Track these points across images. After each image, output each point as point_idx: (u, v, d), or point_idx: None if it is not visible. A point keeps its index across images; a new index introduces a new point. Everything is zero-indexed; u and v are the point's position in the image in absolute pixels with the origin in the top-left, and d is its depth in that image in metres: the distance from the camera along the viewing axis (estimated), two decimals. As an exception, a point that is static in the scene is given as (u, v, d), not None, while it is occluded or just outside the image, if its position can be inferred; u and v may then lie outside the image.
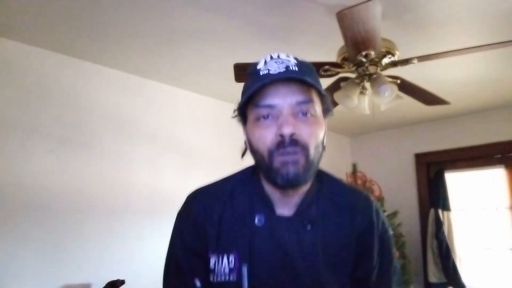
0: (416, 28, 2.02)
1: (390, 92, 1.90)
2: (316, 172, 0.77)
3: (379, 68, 1.93)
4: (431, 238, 3.45)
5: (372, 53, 1.77)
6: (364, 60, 1.84)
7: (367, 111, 2.18)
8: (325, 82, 2.13)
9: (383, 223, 0.84)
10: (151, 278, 2.40)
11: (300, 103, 0.72)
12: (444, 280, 3.35)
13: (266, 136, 0.72)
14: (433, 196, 3.57)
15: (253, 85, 0.72)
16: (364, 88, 2.03)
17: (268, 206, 0.78)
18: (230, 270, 0.74)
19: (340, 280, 0.77)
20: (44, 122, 2.22)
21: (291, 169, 0.70)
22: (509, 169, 3.34)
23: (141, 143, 2.61)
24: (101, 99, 2.48)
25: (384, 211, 3.13)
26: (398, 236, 3.27)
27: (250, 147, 0.77)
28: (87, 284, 2.21)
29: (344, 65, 1.97)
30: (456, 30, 2.03)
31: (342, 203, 0.81)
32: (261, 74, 0.72)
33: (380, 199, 3.33)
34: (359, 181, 3.82)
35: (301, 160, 0.71)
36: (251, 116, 0.76)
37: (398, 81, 2.02)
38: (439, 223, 3.41)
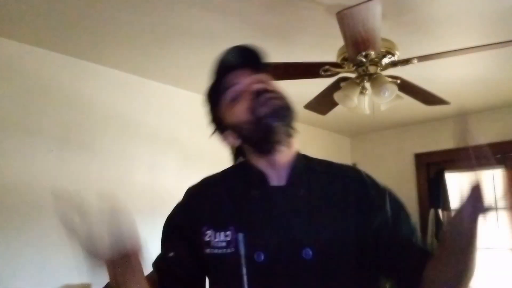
0: (416, 28, 2.02)
1: (390, 92, 1.90)
2: (294, 125, 0.83)
3: (379, 68, 1.93)
4: (431, 238, 3.45)
5: (372, 53, 1.77)
6: (364, 60, 1.84)
7: (367, 111, 2.18)
8: (325, 82, 2.14)
9: (377, 182, 0.87)
10: (151, 278, 2.40)
11: (258, 78, 0.82)
12: (444, 280, 3.35)
13: (242, 107, 0.80)
14: (433, 196, 3.57)
15: (214, 78, 0.84)
16: (364, 88, 2.03)
17: (262, 180, 0.82)
18: (228, 242, 0.76)
19: (343, 245, 0.77)
20: (44, 122, 2.22)
21: (275, 103, 0.78)
22: (509, 169, 3.33)
23: (141, 143, 2.61)
24: (101, 99, 2.48)
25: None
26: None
27: (233, 131, 0.84)
28: (87, 284, 2.21)
29: (344, 65, 1.97)
30: (456, 30, 2.04)
31: (331, 172, 0.86)
32: (218, 66, 0.84)
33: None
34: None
35: (280, 101, 0.79)
36: (223, 106, 0.84)
37: (398, 81, 2.02)
38: (439, 223, 3.41)
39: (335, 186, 0.83)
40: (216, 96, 0.85)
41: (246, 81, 0.81)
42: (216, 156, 3.00)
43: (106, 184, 2.38)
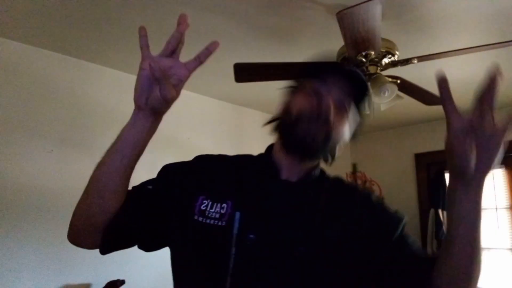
0: (416, 28, 2.02)
1: (390, 92, 1.90)
2: (327, 156, 0.82)
3: (379, 68, 1.93)
4: (431, 238, 3.45)
5: (372, 53, 1.77)
6: (364, 60, 1.84)
7: (367, 111, 2.18)
8: (325, 82, 2.14)
9: (387, 206, 0.86)
10: (151, 278, 2.40)
11: (346, 98, 0.79)
12: (444, 280, 3.35)
13: (306, 102, 0.78)
14: (433, 196, 3.57)
15: (323, 64, 0.82)
16: (364, 88, 2.02)
17: (273, 171, 0.82)
18: (222, 215, 0.75)
19: (339, 251, 0.75)
20: (44, 122, 2.22)
21: (309, 140, 0.76)
22: (509, 169, 3.34)
23: (141, 143, 2.60)
24: (101, 99, 2.49)
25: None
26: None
27: (283, 109, 0.82)
28: (87, 284, 2.22)
29: (344, 65, 1.97)
30: (456, 30, 2.04)
31: (343, 186, 0.87)
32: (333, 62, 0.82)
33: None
34: (359, 181, 3.82)
35: (321, 136, 0.76)
36: (305, 84, 0.82)
37: (398, 81, 2.02)
38: (439, 223, 3.41)
39: (344, 198, 0.83)
40: (308, 76, 0.82)
41: (331, 91, 0.79)
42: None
43: (106, 184, 2.38)
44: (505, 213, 3.29)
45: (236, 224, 0.73)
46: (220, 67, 2.47)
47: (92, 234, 0.77)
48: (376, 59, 1.88)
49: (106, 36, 2.13)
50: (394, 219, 0.82)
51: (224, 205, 0.76)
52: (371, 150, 4.21)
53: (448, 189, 0.67)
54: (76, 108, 2.36)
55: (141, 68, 0.70)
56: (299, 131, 0.76)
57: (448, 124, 0.63)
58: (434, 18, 1.93)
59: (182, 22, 0.73)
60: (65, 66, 2.35)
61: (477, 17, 1.92)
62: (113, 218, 0.75)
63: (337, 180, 0.88)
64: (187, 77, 0.72)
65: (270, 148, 0.87)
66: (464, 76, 2.66)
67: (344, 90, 0.80)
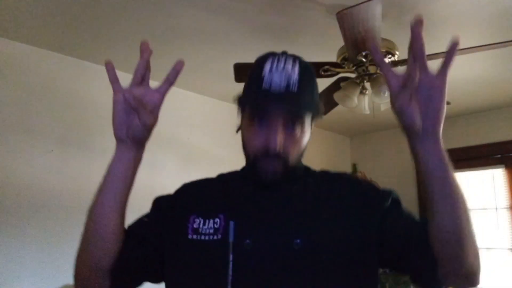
0: (416, 28, 2.02)
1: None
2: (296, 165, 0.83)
3: (379, 68, 1.93)
4: (431, 238, 3.45)
5: (372, 53, 1.77)
6: (364, 60, 1.84)
7: (367, 111, 2.18)
8: (325, 82, 2.14)
9: (376, 185, 0.87)
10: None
11: (290, 117, 0.78)
12: (444, 280, 3.35)
13: (255, 141, 0.79)
14: (433, 196, 3.57)
15: (253, 93, 0.80)
16: (364, 88, 2.03)
17: (257, 178, 0.82)
18: (216, 229, 0.77)
19: (336, 240, 0.76)
20: (44, 122, 2.22)
21: (270, 177, 0.78)
22: (509, 169, 3.33)
23: (141, 143, 2.60)
24: (101, 99, 2.48)
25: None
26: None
27: (242, 138, 0.84)
28: (87, 284, 2.22)
29: (344, 65, 1.97)
30: (456, 30, 2.04)
31: (328, 177, 0.88)
32: (262, 86, 0.76)
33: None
34: (359, 181, 3.82)
35: (279, 169, 0.78)
36: (246, 115, 0.82)
37: (398, 81, 2.02)
38: (439, 223, 3.41)
39: (331, 189, 0.83)
40: (250, 106, 0.81)
41: (274, 120, 0.77)
42: (216, 156, 3.01)
43: (106, 184, 2.38)
44: (505, 213, 3.29)
45: (231, 233, 0.74)
46: (220, 67, 2.47)
47: (101, 279, 0.76)
48: (376, 59, 1.88)
49: (106, 36, 2.13)
50: (382, 193, 0.83)
51: (217, 219, 0.78)
52: (371, 150, 4.21)
53: (411, 152, 0.68)
54: (76, 108, 2.36)
55: (115, 102, 0.72)
56: (259, 171, 0.78)
57: (388, 86, 0.66)
58: (434, 18, 1.93)
59: (144, 49, 0.76)
60: (65, 66, 2.35)
61: (478, 17, 1.92)
62: (119, 258, 0.75)
63: (323, 172, 0.90)
64: (162, 100, 0.74)
65: (243, 168, 0.89)
66: (465, 76, 2.66)
67: (286, 105, 0.76)
